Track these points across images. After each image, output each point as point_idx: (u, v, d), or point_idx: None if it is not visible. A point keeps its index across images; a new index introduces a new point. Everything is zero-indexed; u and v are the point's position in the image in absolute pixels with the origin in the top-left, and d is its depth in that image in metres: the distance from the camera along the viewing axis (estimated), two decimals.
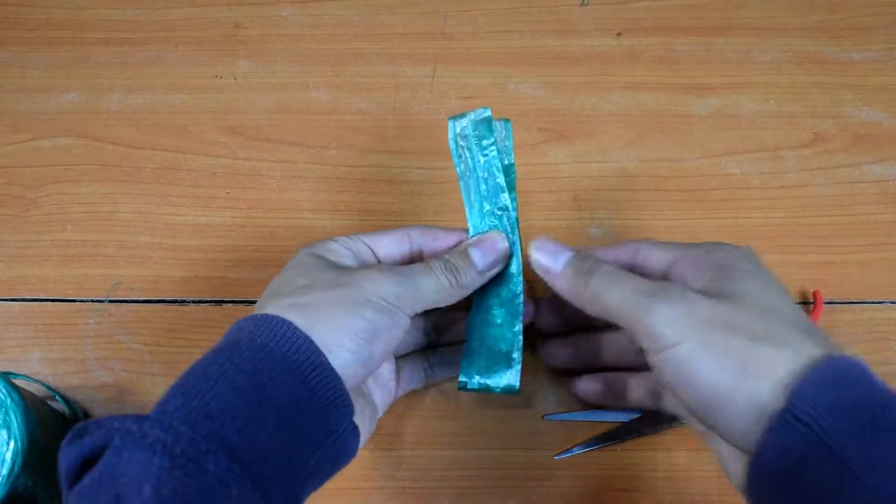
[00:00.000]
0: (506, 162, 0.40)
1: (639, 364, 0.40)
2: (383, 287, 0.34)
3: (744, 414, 0.30)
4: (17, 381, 0.43)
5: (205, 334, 0.47)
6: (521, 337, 0.39)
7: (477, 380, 0.39)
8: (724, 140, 0.52)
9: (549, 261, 0.37)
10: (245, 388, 0.30)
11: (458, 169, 0.40)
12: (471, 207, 0.40)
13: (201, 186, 0.51)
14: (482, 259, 0.38)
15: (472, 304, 0.41)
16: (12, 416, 0.36)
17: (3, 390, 0.37)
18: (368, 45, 0.55)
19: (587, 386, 0.42)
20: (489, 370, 0.39)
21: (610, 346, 0.42)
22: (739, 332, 0.31)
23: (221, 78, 0.54)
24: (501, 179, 0.40)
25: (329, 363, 0.32)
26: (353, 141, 0.52)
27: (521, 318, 0.40)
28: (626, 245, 0.39)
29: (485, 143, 0.40)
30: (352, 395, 0.33)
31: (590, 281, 0.35)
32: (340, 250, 0.37)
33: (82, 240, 0.49)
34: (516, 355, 0.39)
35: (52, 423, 0.40)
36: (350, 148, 0.52)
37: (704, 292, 0.33)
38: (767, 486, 0.30)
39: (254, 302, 0.47)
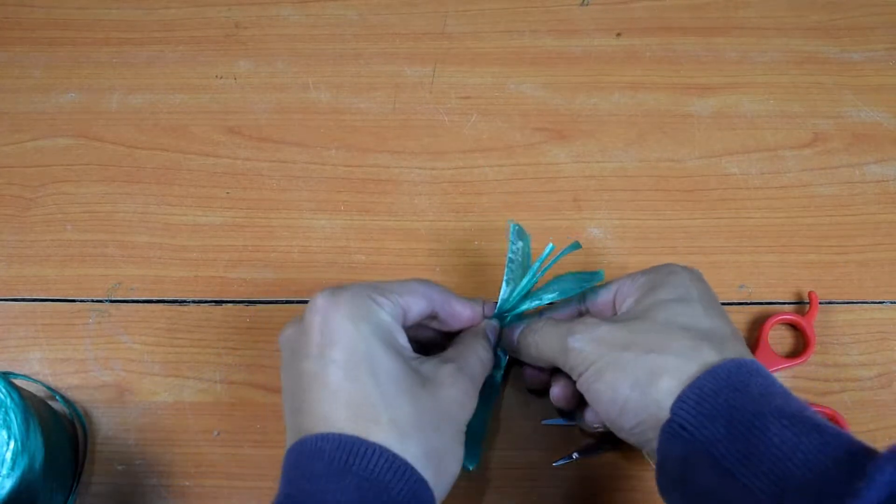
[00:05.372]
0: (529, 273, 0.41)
1: None
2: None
3: (640, 424, 0.33)
4: (17, 381, 0.43)
5: (205, 334, 0.47)
6: (482, 425, 0.40)
7: None
8: (724, 140, 0.52)
9: (510, 336, 0.41)
10: None
11: (509, 261, 0.41)
12: (511, 292, 0.41)
13: (201, 186, 0.51)
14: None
15: None
16: (12, 416, 0.36)
17: (3, 390, 0.37)
18: (368, 45, 0.55)
19: (559, 391, 0.41)
20: None
21: None
22: (634, 348, 0.33)
23: (221, 78, 0.54)
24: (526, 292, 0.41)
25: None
26: (353, 141, 0.52)
27: (488, 407, 0.41)
28: (611, 284, 0.40)
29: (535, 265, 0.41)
30: None
31: (529, 341, 0.39)
32: (394, 325, 0.35)
33: (82, 240, 0.49)
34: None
35: (52, 423, 0.40)
36: (350, 148, 0.52)
37: (624, 313, 0.36)
38: (672, 489, 0.32)
39: (254, 302, 0.47)
